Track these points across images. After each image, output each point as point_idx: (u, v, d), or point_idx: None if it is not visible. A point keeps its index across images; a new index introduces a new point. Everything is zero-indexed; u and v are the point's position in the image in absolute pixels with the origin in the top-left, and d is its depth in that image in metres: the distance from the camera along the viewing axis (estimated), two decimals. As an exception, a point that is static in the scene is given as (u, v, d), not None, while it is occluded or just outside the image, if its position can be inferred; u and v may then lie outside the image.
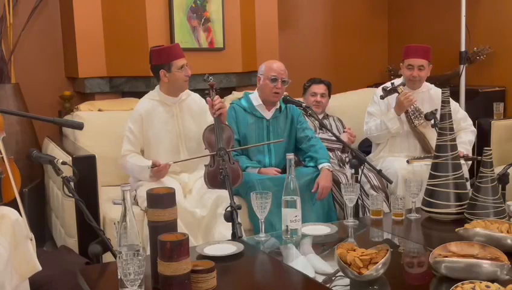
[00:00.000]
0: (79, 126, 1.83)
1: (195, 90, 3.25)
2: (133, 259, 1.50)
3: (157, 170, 2.83)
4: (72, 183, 2.24)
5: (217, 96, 2.99)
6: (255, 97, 3.32)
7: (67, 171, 2.40)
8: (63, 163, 2.30)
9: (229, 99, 3.76)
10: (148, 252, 1.69)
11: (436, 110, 3.25)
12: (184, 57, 2.98)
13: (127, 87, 3.83)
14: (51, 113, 3.88)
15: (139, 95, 3.31)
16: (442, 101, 2.39)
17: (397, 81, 3.41)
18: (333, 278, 1.82)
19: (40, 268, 2.20)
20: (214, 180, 2.86)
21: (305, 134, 3.32)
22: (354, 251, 1.77)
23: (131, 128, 2.97)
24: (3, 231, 2.06)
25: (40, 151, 2.44)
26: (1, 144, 2.20)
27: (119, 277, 1.58)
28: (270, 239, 2.21)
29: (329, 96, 3.88)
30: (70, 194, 2.21)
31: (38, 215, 3.51)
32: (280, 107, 3.33)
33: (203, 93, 3.20)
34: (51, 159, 2.26)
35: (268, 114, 3.31)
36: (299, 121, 3.36)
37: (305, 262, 1.95)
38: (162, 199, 1.61)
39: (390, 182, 2.96)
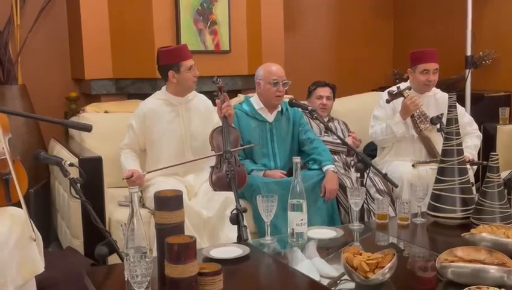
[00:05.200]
0: (87, 128, 1.84)
1: (201, 92, 3.26)
2: (140, 261, 1.50)
3: (131, 181, 2.84)
4: (78, 185, 2.25)
5: (226, 96, 3.00)
6: (255, 101, 3.33)
7: (74, 172, 2.41)
8: (71, 165, 2.30)
9: (234, 101, 3.77)
10: (155, 254, 1.69)
11: (442, 114, 3.25)
12: (191, 57, 3.00)
13: (132, 89, 3.84)
14: (56, 114, 3.90)
15: (145, 96, 3.32)
16: (449, 106, 2.38)
17: (403, 85, 3.41)
18: (338, 281, 1.83)
19: (42, 270, 2.21)
20: (219, 182, 2.87)
21: (307, 136, 3.33)
22: (361, 255, 1.77)
23: (133, 125, 3.02)
24: (14, 229, 2.08)
25: (47, 153, 2.44)
26: (7, 145, 2.21)
27: (126, 279, 1.59)
28: (275, 242, 2.21)
29: (334, 99, 3.89)
30: (77, 196, 2.21)
31: (44, 216, 3.52)
32: (281, 109, 3.33)
33: (209, 95, 3.21)
34: (58, 161, 2.26)
35: (270, 117, 3.31)
36: (301, 123, 3.37)
37: (310, 265, 1.96)
38: (169, 202, 1.62)
39: (396, 186, 2.95)
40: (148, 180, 2.99)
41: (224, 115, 2.95)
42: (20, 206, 2.18)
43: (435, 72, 3.37)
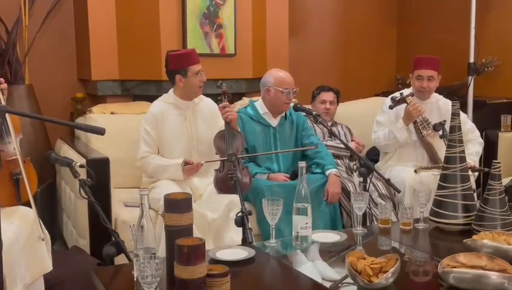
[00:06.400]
0: (100, 131, 1.87)
1: (206, 95, 3.30)
2: (150, 262, 1.54)
3: (189, 168, 2.91)
4: (87, 186, 2.28)
5: (227, 103, 3.04)
6: (260, 105, 3.36)
7: (82, 173, 2.44)
8: (81, 166, 2.34)
9: (238, 105, 3.81)
10: (160, 253, 1.73)
11: (444, 121, 3.29)
12: (200, 62, 3.03)
13: (138, 90, 3.87)
14: (62, 114, 3.94)
15: (151, 98, 3.36)
16: (452, 114, 2.41)
17: (406, 92, 3.44)
18: (340, 284, 1.86)
19: (50, 269, 2.25)
20: (223, 185, 2.91)
21: (310, 140, 3.36)
22: (364, 259, 1.81)
23: (147, 130, 3.03)
24: (23, 228, 2.11)
25: (57, 154, 2.48)
26: (18, 146, 2.25)
27: (135, 279, 1.63)
28: (279, 245, 2.24)
29: (338, 104, 3.92)
30: (86, 197, 2.25)
31: (49, 215, 3.56)
32: (285, 114, 3.37)
33: (214, 98, 3.25)
34: (69, 162, 2.30)
35: (274, 122, 3.35)
36: (304, 127, 3.41)
37: (313, 268, 1.99)
38: (179, 204, 1.66)
39: (399, 192, 2.99)
40: (153, 181, 3.03)
41: (226, 119, 2.99)
42: (29, 206, 2.22)
43: (430, 79, 3.40)
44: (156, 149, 3.06)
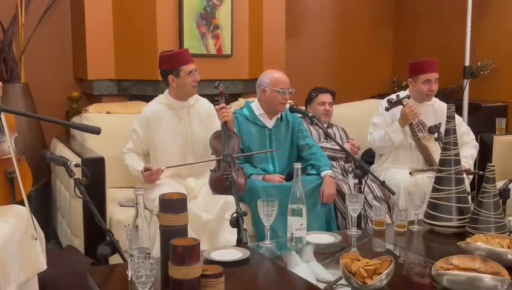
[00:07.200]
0: (96, 131, 1.87)
1: (202, 96, 3.30)
2: (144, 262, 1.54)
3: (148, 174, 2.89)
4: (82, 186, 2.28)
5: (223, 104, 3.04)
6: (256, 106, 3.37)
7: (77, 172, 2.44)
8: (76, 165, 2.34)
9: (235, 106, 3.81)
10: (154, 253, 1.73)
11: (440, 124, 3.30)
12: (193, 62, 3.03)
13: (134, 90, 3.87)
14: (58, 113, 3.93)
15: (147, 98, 3.36)
16: (448, 117, 2.42)
17: (402, 94, 3.45)
18: (334, 286, 1.86)
19: (44, 268, 2.25)
20: (218, 185, 2.91)
21: (305, 142, 3.37)
22: (359, 260, 1.81)
23: (136, 130, 3.05)
24: (18, 227, 2.11)
25: (52, 153, 2.47)
26: (13, 145, 2.25)
27: (129, 279, 1.62)
28: (274, 246, 2.25)
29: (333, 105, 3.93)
30: (81, 196, 2.24)
31: (44, 214, 3.55)
32: (281, 116, 3.37)
33: (210, 98, 3.25)
34: (64, 162, 2.29)
35: (270, 123, 3.35)
36: (299, 129, 3.41)
37: (307, 269, 1.99)
38: (174, 204, 1.66)
39: (394, 194, 2.99)
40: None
41: (222, 120, 2.99)
42: (23, 204, 2.21)
43: (436, 82, 3.43)
44: (140, 150, 3.09)
